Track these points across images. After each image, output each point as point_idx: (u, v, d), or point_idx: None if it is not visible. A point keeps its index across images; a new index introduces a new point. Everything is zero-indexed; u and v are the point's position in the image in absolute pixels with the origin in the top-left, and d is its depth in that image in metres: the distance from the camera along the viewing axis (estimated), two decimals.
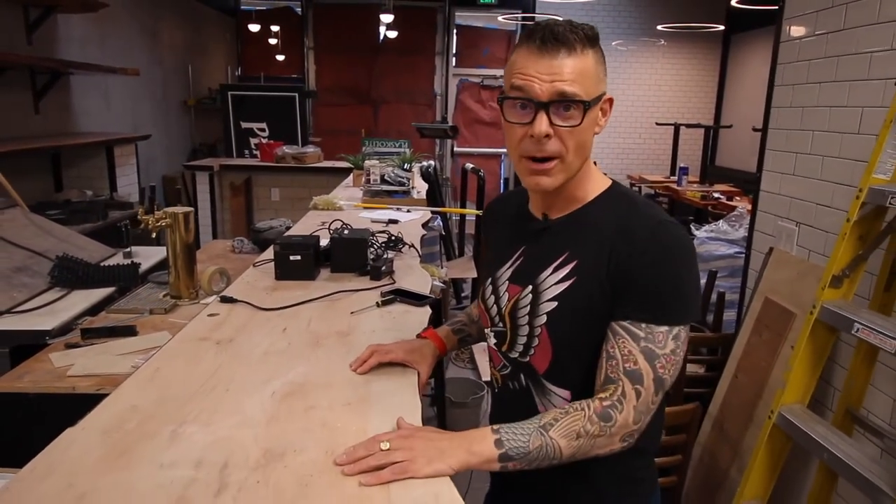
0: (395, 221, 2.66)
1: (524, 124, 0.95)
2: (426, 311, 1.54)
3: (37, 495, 0.80)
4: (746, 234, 2.75)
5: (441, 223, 3.74)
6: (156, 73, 6.06)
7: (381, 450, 0.86)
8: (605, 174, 1.06)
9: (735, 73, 7.54)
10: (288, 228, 2.64)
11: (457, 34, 8.09)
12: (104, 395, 1.08)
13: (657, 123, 7.35)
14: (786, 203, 2.36)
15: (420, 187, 3.53)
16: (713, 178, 6.21)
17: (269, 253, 1.90)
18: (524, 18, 7.34)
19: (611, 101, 1.00)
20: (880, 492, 1.49)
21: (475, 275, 3.75)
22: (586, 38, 0.93)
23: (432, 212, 3.16)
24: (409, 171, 3.40)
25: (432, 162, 4.07)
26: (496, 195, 1.32)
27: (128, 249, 2.64)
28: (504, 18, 7.57)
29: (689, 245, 0.96)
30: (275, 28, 7.95)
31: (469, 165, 4.87)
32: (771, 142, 2.49)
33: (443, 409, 2.94)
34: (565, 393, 1.02)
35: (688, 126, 6.47)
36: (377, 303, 1.57)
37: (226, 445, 0.92)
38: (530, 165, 0.97)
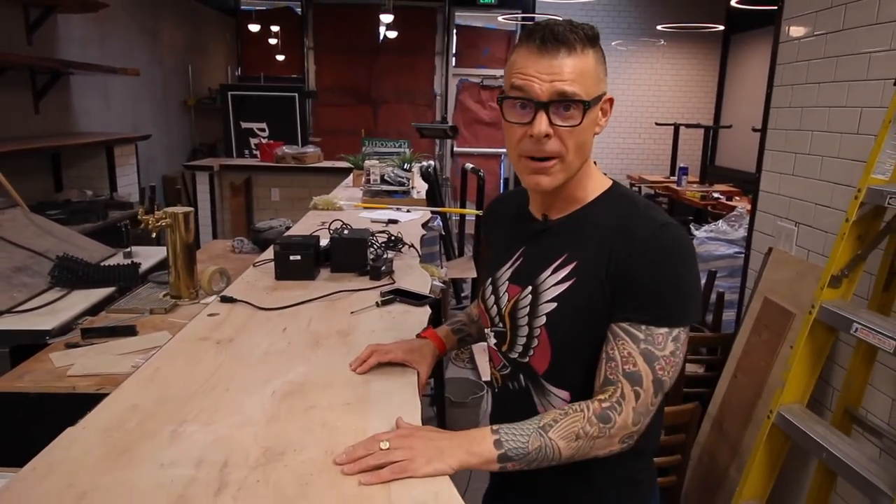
0: (394, 221, 2.66)
1: (524, 124, 0.94)
2: (426, 311, 1.54)
3: (37, 494, 0.80)
4: (746, 234, 2.75)
5: (441, 223, 3.74)
6: (156, 73, 6.06)
7: (381, 449, 0.87)
8: (606, 174, 1.06)
9: (735, 74, 7.55)
10: (288, 228, 2.65)
11: (457, 34, 8.09)
12: (104, 395, 1.08)
13: (657, 123, 7.35)
14: (785, 203, 2.36)
15: (420, 187, 3.53)
16: (713, 178, 6.21)
17: (269, 253, 1.90)
18: (524, 18, 7.34)
19: (611, 101, 1.00)
20: (879, 491, 1.49)
21: (475, 275, 3.76)
22: (586, 37, 0.93)
23: (432, 212, 3.16)
24: (409, 171, 3.41)
25: (432, 162, 4.07)
26: (496, 195, 1.32)
27: (128, 249, 2.65)
28: (504, 18, 7.58)
29: (689, 246, 0.96)
30: (275, 28, 7.95)
31: (469, 165, 4.87)
32: (770, 142, 2.49)
33: (442, 409, 2.94)
34: (564, 394, 1.02)
35: (687, 126, 6.47)
36: (377, 303, 1.58)
37: (226, 445, 0.92)
38: (530, 164, 0.96)
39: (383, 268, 1.82)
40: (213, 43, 7.80)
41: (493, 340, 1.11)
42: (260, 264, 1.94)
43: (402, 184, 3.34)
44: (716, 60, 7.77)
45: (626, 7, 7.66)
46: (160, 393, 1.09)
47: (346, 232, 1.98)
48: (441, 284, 1.92)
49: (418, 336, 1.31)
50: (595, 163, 1.05)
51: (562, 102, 0.92)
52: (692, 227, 4.24)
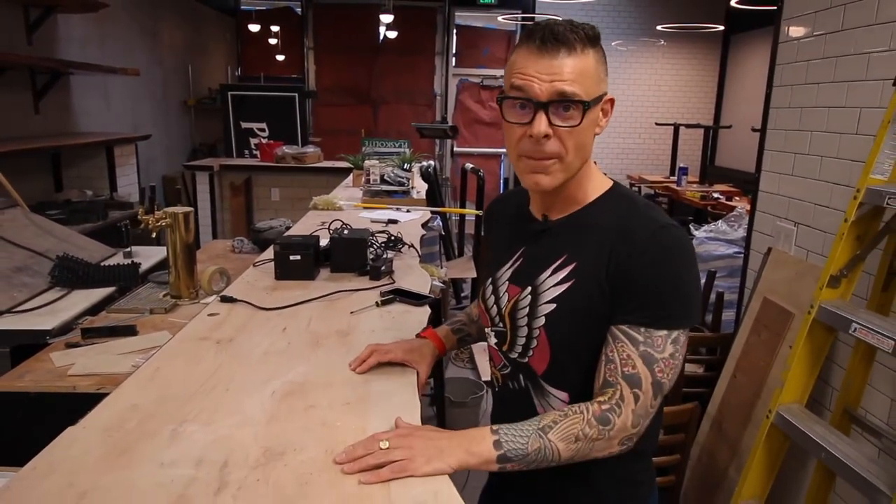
0: (394, 221, 2.66)
1: (523, 124, 0.94)
2: (425, 311, 1.55)
3: (38, 494, 0.80)
4: (745, 235, 2.76)
5: (441, 223, 3.74)
6: (156, 73, 6.06)
7: (381, 448, 0.87)
8: (606, 174, 1.05)
9: (734, 74, 7.55)
10: (288, 228, 2.65)
11: (457, 34, 8.09)
12: (105, 395, 1.08)
13: (657, 123, 7.35)
14: (784, 203, 2.37)
15: (420, 187, 3.53)
16: (712, 178, 6.21)
17: (269, 253, 1.90)
18: (524, 18, 7.35)
19: (612, 101, 1.00)
20: (878, 491, 1.49)
21: (475, 275, 3.76)
22: (587, 37, 0.93)
23: (432, 212, 3.16)
24: (409, 171, 3.41)
25: (432, 162, 4.08)
26: (496, 195, 1.32)
27: (128, 249, 2.65)
28: (504, 18, 7.58)
29: (689, 248, 0.96)
30: (275, 28, 7.95)
31: (469, 165, 4.87)
32: (769, 142, 2.49)
33: (442, 409, 2.94)
34: (563, 395, 1.02)
35: (687, 126, 6.47)
36: (377, 302, 1.58)
37: (226, 444, 0.92)
38: (529, 164, 0.96)
39: (383, 268, 1.82)
40: (213, 43, 7.80)
41: (493, 340, 1.11)
42: (260, 264, 1.94)
43: (401, 184, 3.34)
44: (716, 60, 7.78)
45: (626, 7, 7.67)
46: (160, 393, 1.09)
47: (345, 232, 1.99)
48: (441, 284, 1.92)
49: (418, 336, 1.31)
50: (595, 163, 1.05)
51: (561, 103, 0.92)
52: (692, 227, 4.24)
